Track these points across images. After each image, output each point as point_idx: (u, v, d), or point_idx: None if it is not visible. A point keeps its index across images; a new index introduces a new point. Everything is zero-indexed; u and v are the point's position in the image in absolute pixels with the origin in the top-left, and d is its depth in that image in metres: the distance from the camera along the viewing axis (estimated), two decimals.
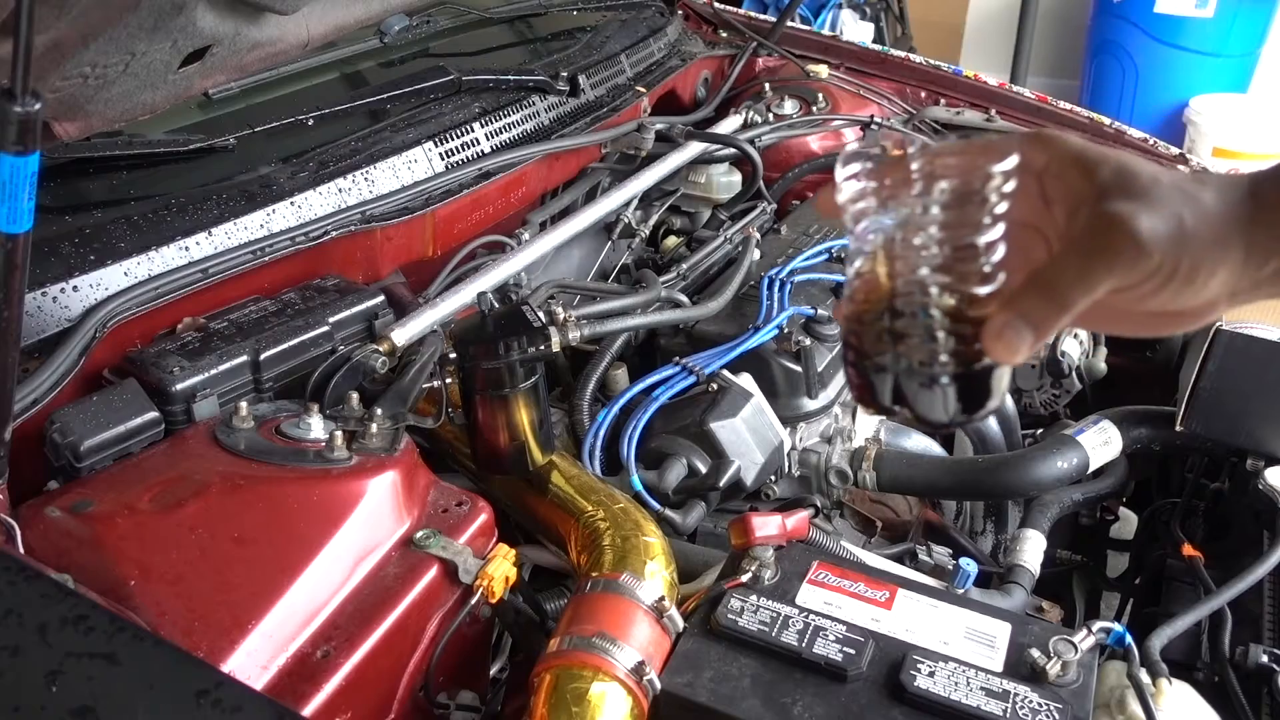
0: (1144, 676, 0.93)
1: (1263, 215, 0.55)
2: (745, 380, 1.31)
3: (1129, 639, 0.94)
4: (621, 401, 1.28)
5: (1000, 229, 0.56)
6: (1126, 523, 1.65)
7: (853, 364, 0.60)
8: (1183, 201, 0.54)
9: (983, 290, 0.56)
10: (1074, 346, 1.74)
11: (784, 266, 1.52)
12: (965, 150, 0.56)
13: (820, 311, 1.40)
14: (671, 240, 1.91)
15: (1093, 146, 0.57)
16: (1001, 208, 0.55)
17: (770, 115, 2.09)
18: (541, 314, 1.12)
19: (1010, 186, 0.55)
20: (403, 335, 1.19)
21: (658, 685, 0.84)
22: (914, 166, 0.55)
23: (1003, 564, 1.30)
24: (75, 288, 1.04)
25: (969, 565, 1.14)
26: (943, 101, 2.19)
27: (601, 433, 1.24)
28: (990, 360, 0.57)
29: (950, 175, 0.55)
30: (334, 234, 1.27)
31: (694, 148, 1.84)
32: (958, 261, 0.55)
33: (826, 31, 2.89)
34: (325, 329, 1.16)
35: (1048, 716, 0.81)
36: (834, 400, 1.38)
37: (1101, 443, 1.35)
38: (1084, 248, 0.54)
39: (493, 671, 1.05)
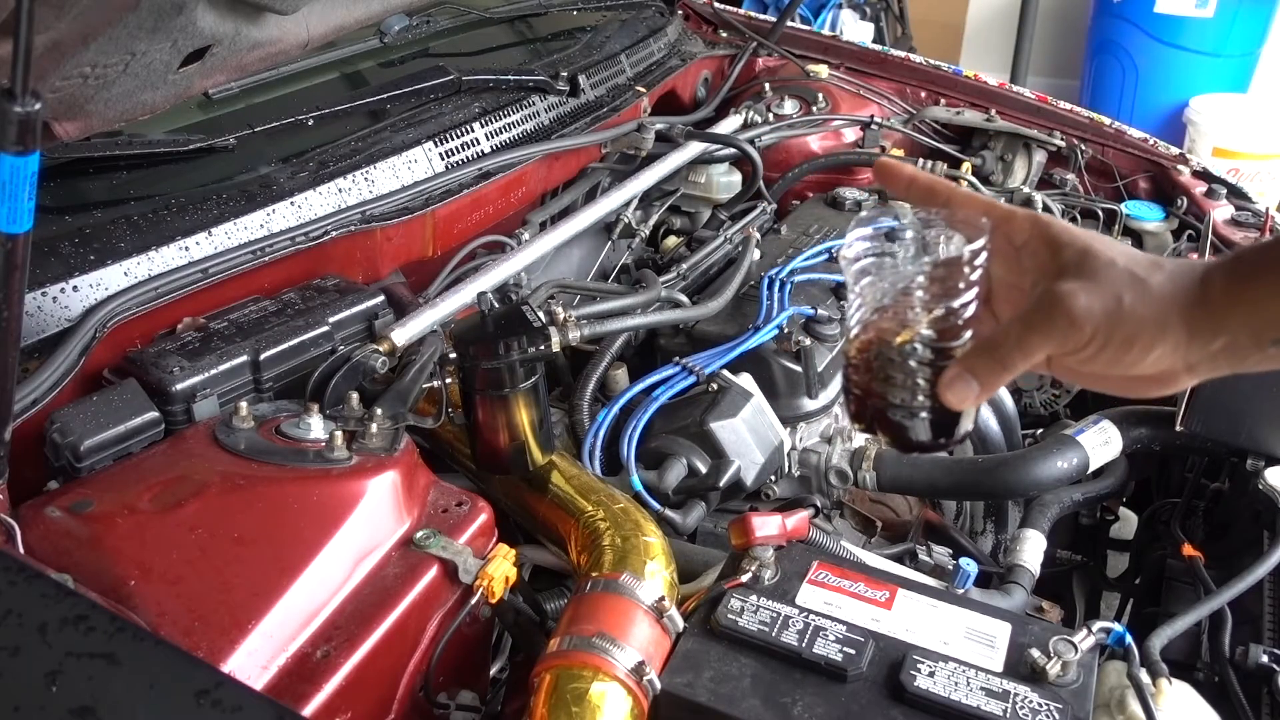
0: (1144, 676, 0.93)
1: (1207, 300, 0.61)
2: (745, 380, 1.31)
3: (1129, 639, 0.94)
4: (621, 401, 1.28)
5: (972, 294, 0.65)
6: (1126, 523, 1.65)
7: (850, 392, 0.71)
8: (1128, 284, 0.62)
9: (954, 344, 0.66)
10: None
11: (784, 266, 1.52)
12: (952, 222, 0.66)
13: (820, 311, 1.40)
14: (671, 240, 1.90)
15: (1069, 229, 0.66)
16: (975, 276, 0.65)
17: (770, 115, 2.09)
18: (541, 314, 1.12)
19: (981, 260, 0.65)
20: (403, 335, 1.19)
21: (658, 685, 0.84)
22: (908, 236, 0.66)
23: (1003, 564, 1.30)
24: (75, 288, 1.04)
25: (969, 565, 1.14)
26: (943, 101, 2.19)
27: (601, 433, 1.24)
28: None
29: (938, 251, 0.66)
30: (334, 234, 1.27)
31: (694, 148, 1.84)
32: (936, 321, 0.66)
33: (826, 31, 2.89)
34: (325, 329, 1.16)
35: (1048, 716, 0.81)
36: (834, 400, 1.37)
37: (1101, 443, 1.35)
38: (1027, 318, 0.64)
39: (493, 671, 1.05)
